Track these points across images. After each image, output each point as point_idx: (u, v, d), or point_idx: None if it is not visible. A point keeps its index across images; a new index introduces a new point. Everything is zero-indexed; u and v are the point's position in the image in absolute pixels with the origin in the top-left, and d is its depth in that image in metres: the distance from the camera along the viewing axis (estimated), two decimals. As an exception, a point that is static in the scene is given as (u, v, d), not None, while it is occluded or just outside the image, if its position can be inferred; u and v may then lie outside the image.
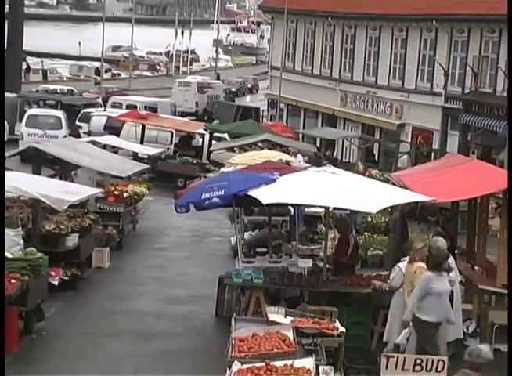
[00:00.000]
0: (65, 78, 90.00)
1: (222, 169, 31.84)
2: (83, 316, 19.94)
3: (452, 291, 17.95)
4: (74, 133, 44.68)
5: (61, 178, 25.83)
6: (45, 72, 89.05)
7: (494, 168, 24.80)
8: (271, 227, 23.85)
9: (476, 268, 20.68)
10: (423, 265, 17.17)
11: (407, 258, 18.07)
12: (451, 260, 18.43)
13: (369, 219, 24.99)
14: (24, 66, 76.66)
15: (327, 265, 19.79)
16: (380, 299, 18.24)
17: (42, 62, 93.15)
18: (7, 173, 22.53)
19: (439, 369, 12.99)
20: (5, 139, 43.43)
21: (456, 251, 20.15)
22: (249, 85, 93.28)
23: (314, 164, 33.28)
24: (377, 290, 18.40)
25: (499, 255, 20.28)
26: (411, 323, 15.88)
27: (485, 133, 41.50)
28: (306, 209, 23.93)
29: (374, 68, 50.66)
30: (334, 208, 20.60)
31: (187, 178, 36.32)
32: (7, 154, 28.46)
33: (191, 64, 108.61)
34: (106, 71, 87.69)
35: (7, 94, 56.16)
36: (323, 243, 20.96)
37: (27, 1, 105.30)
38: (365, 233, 24.08)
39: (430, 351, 15.28)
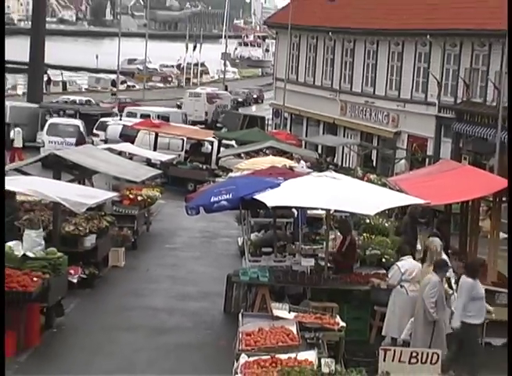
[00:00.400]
0: (83, 90, 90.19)
1: (230, 174, 31.88)
2: (100, 312, 19.96)
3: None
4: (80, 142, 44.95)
5: (79, 183, 25.85)
6: (64, 84, 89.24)
7: (485, 173, 24.81)
8: (276, 229, 23.84)
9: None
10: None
11: (405, 258, 18.08)
12: (445, 258, 18.48)
13: (368, 221, 24.92)
14: (45, 79, 76.61)
15: (328, 264, 19.79)
16: (379, 296, 18.24)
17: (62, 74, 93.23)
18: (30, 178, 22.65)
19: (433, 361, 12.98)
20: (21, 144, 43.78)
21: (449, 251, 20.11)
22: (255, 96, 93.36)
23: (316, 169, 33.26)
24: (375, 287, 18.42)
25: (489, 255, 20.31)
26: (421, 321, 16.02)
27: (476, 140, 41.47)
28: (309, 211, 23.90)
29: (372, 79, 50.66)
30: (335, 211, 20.61)
31: (197, 183, 36.36)
32: (29, 161, 28.53)
33: (201, 76, 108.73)
34: (122, 83, 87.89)
35: (30, 104, 56.41)
36: (325, 243, 21.01)
37: (49, 17, 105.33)
38: (364, 234, 24.01)
39: (478, 351, 15.51)
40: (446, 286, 17.31)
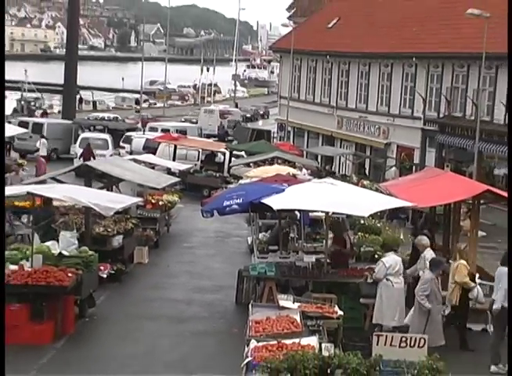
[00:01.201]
0: (111, 108, 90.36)
1: (240, 181, 31.93)
2: (126, 303, 20.02)
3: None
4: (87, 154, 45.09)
5: (108, 190, 25.86)
6: (94, 103, 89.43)
7: (465, 179, 24.80)
8: (281, 229, 23.83)
9: (450, 261, 20.65)
10: (465, 262, 17.37)
11: (389, 254, 18.07)
12: (432, 254, 18.44)
13: (362, 222, 24.89)
14: (78, 98, 76.80)
15: (327, 260, 19.79)
16: (365, 290, 18.28)
17: (92, 94, 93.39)
18: (64, 186, 22.66)
19: (421, 345, 12.93)
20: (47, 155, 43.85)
21: (435, 248, 20.08)
22: (261, 112, 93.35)
23: (316, 176, 33.24)
24: (362, 282, 18.47)
25: (470, 251, 20.27)
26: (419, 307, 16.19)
27: (457, 150, 41.47)
28: (310, 214, 23.89)
29: (365, 97, 50.63)
30: (333, 213, 20.58)
31: (211, 189, 36.32)
32: (64, 170, 28.54)
33: (214, 95, 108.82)
34: (145, 101, 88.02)
35: (64, 121, 56.53)
36: (324, 241, 21.00)
37: (81, 45, 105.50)
38: (359, 233, 24.00)
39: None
40: (468, 279, 17.42)
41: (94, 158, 43.08)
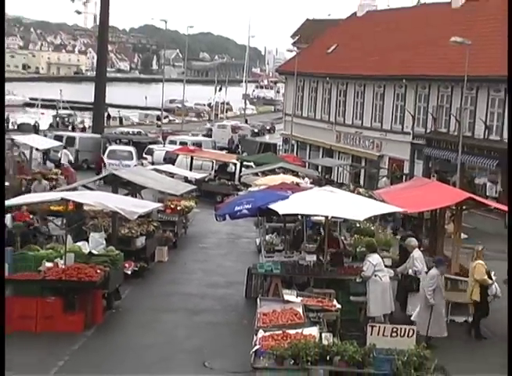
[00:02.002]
0: (135, 123, 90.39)
1: (250, 189, 31.91)
2: (148, 297, 20.00)
3: (419, 278, 17.98)
4: (99, 164, 45.29)
5: (132, 196, 25.88)
6: (121, 119, 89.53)
7: (449, 188, 24.84)
8: (286, 231, 23.82)
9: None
10: (482, 262, 17.40)
11: (373, 254, 18.01)
12: (420, 254, 18.42)
13: (358, 225, 24.85)
14: (106, 115, 76.93)
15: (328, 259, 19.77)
16: (356, 288, 18.21)
17: (119, 111, 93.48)
18: (94, 192, 22.70)
19: (409, 335, 12.93)
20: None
21: (421, 248, 20.04)
22: (268, 127, 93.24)
23: (317, 184, 33.18)
24: (352, 281, 18.37)
25: (453, 251, 20.30)
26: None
27: (442, 162, 41.45)
28: (312, 218, 23.86)
29: (360, 114, 50.64)
30: (332, 217, 20.57)
31: (224, 196, 36.29)
32: (94, 179, 28.60)
33: (226, 112, 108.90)
34: (165, 118, 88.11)
35: (94, 135, 56.64)
36: (324, 242, 20.96)
37: (109, 68, 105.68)
38: (355, 235, 23.95)
39: None
40: (486, 277, 17.39)
41: (104, 166, 43.55)
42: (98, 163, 46.06)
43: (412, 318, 16.80)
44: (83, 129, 72.08)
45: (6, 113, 76.80)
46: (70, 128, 73.21)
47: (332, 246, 20.53)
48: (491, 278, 17.81)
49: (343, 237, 23.48)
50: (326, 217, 20.48)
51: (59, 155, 45.23)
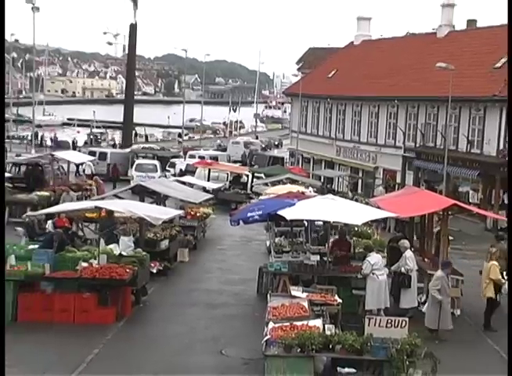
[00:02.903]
0: (159, 140, 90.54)
1: (261, 197, 31.90)
2: (171, 293, 20.03)
3: (410, 276, 17.94)
4: (114, 171, 45.31)
5: (157, 204, 25.94)
6: (146, 136, 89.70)
7: (436, 195, 24.73)
8: (292, 235, 23.82)
9: (425, 260, 20.58)
10: (496, 263, 17.35)
11: (371, 254, 18.01)
12: (411, 254, 18.37)
13: (356, 229, 24.80)
14: (134, 133, 77.17)
15: (330, 259, 19.73)
16: (357, 283, 18.20)
17: (145, 129, 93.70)
18: (124, 201, 22.75)
19: (402, 326, 12.89)
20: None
21: (412, 249, 19.99)
22: (276, 143, 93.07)
23: (320, 193, 33.19)
24: (353, 277, 18.39)
25: (440, 252, 20.18)
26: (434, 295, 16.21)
27: (430, 172, 41.33)
28: (316, 222, 23.86)
29: (357, 131, 50.56)
30: (333, 222, 20.56)
31: (238, 203, 36.33)
32: (123, 189, 28.65)
33: (239, 129, 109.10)
34: (185, 135, 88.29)
35: (123, 150, 56.79)
36: (326, 244, 20.97)
37: (136, 91, 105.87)
38: (354, 238, 23.89)
39: None
40: (501, 277, 17.34)
41: (119, 175, 43.79)
42: (113, 172, 46.20)
43: (424, 309, 16.71)
44: (113, 145, 72.34)
45: (42, 132, 77.29)
46: (102, 144, 73.52)
47: (343, 249, 20.51)
48: (503, 277, 17.71)
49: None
50: (328, 222, 20.53)
51: (83, 166, 45.19)
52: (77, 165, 45.53)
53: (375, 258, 17.70)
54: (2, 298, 13.92)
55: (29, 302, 16.45)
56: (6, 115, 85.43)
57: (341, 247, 20.56)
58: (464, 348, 15.92)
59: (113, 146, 72.40)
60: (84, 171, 43.56)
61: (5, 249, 17.41)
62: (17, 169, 37.46)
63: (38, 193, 31.19)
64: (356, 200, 29.85)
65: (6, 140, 67.86)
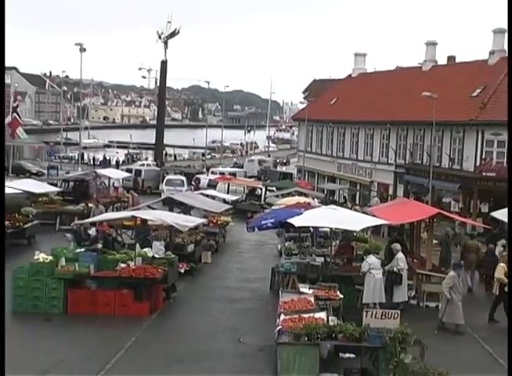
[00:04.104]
0: (186, 158, 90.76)
1: (273, 207, 31.84)
2: (197, 289, 20.03)
3: (401, 274, 17.86)
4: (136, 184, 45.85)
5: (184, 214, 25.96)
6: (175, 156, 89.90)
7: (423, 205, 24.67)
8: (300, 239, 23.78)
9: (415, 260, 20.49)
10: (504, 265, 17.13)
11: (370, 256, 17.95)
12: (402, 256, 18.30)
13: (355, 234, 24.72)
14: (164, 153, 77.39)
15: (332, 260, 19.68)
16: (358, 280, 18.12)
17: (174, 150, 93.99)
18: (156, 211, 22.78)
19: (395, 317, 12.81)
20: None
21: (403, 251, 19.89)
22: (284, 161, 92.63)
23: (323, 204, 33.11)
24: (356, 274, 18.29)
25: (427, 254, 20.14)
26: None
27: (417, 185, 41.14)
28: (320, 229, 23.80)
29: (355, 150, 50.42)
30: (335, 228, 20.53)
31: (253, 213, 36.28)
32: (155, 201, 28.70)
33: (254, 149, 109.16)
34: (208, 154, 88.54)
35: (155, 168, 56.92)
36: (329, 248, 20.93)
37: (166, 117, 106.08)
38: (353, 242, 23.81)
39: None
40: (504, 277, 16.99)
41: (140, 187, 43.77)
42: (135, 184, 46.06)
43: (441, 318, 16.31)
44: (147, 164, 72.43)
45: (87, 153, 77.58)
46: (138, 162, 73.72)
47: (348, 252, 20.44)
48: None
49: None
50: (331, 228, 20.51)
51: (112, 181, 44.48)
52: (117, 181, 45.62)
53: (372, 260, 17.66)
54: (2, 298, 13.10)
55: (77, 297, 16.52)
56: (57, 139, 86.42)
57: (346, 250, 20.53)
58: (449, 338, 15.80)
59: (147, 165, 72.56)
60: (113, 184, 43.34)
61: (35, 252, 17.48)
62: (66, 184, 37.63)
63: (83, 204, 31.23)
64: (355, 210, 29.80)
65: (57, 160, 68.70)
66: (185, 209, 26.99)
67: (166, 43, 67.32)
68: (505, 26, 34.16)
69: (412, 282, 18.89)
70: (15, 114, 37.33)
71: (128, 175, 45.30)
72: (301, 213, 19.72)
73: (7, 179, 33.14)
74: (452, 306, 16.02)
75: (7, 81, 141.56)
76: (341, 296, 15.81)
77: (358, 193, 49.73)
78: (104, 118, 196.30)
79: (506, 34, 29.08)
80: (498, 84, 37.62)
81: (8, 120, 47.27)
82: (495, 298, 17.43)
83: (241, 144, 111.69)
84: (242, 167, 70.21)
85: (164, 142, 71.35)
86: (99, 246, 19.82)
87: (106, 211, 29.77)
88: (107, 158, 74.70)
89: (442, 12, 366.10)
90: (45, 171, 56.05)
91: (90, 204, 29.91)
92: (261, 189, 43.26)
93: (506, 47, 39.93)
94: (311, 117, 55.65)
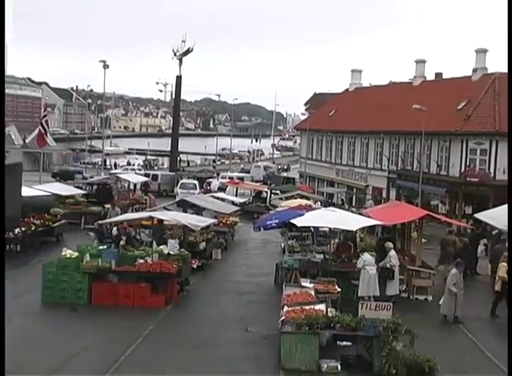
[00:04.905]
0: (198, 164, 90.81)
1: (277, 209, 31.86)
2: (208, 283, 20.02)
3: (393, 270, 17.83)
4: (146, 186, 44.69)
5: (197, 214, 25.96)
6: (188, 162, 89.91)
7: (413, 207, 24.65)
8: (302, 238, 23.78)
9: (405, 258, 20.45)
10: (505, 264, 16.92)
11: (364, 253, 17.87)
12: (394, 253, 18.28)
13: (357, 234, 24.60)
14: (178, 159, 77.40)
15: (331, 257, 19.67)
16: (354, 275, 18.08)
17: (187, 156, 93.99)
18: (171, 212, 22.79)
19: (388, 309, 12.81)
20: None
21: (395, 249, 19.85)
22: (285, 167, 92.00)
23: (323, 206, 33.08)
24: (352, 270, 18.23)
25: (417, 251, 20.10)
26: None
27: (408, 190, 41.13)
28: (320, 228, 23.80)
29: (352, 157, 50.38)
30: (334, 228, 20.52)
31: (259, 214, 36.28)
32: (170, 203, 28.70)
33: (260, 156, 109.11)
34: (218, 160, 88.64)
35: (170, 173, 56.93)
36: (328, 246, 20.92)
37: (180, 127, 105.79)
38: (349, 241, 23.70)
39: None
40: (505, 275, 16.75)
41: (149, 187, 43.40)
42: (145, 187, 45.61)
43: (441, 310, 16.27)
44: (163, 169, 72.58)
45: (109, 160, 77.76)
46: (155, 168, 73.84)
47: (346, 250, 20.43)
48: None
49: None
50: (330, 228, 20.48)
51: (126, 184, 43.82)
52: (135, 184, 45.72)
53: (367, 257, 17.63)
54: (2, 298, 11.48)
55: (100, 290, 16.58)
56: (82, 146, 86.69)
57: (344, 248, 20.52)
58: (436, 327, 15.78)
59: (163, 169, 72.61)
60: (128, 186, 43.09)
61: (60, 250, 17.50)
62: (91, 188, 37.74)
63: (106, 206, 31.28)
64: (352, 211, 29.80)
65: (82, 166, 68.85)
66: (198, 210, 27.01)
67: (180, 60, 67.34)
68: (486, 46, 34.45)
69: (404, 277, 18.85)
70: (40, 127, 37.45)
71: (146, 179, 45.37)
72: (303, 214, 19.72)
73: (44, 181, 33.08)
74: (454, 300, 15.94)
75: (39, 94, 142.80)
76: (339, 290, 15.83)
77: (354, 196, 49.68)
78: (124, 128, 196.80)
79: (506, 33, 29.02)
80: (480, 99, 37.76)
81: (36, 131, 47.57)
82: (496, 294, 17.14)
83: (248, 151, 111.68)
84: (248, 172, 70.24)
85: (179, 149, 71.20)
86: (122, 243, 19.82)
87: (126, 212, 29.77)
88: (131, 163, 75.51)
89: (431, 33, 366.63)
90: (85, 173, 57.40)
91: (107, 206, 29.92)
92: (267, 193, 43.23)
93: (487, 65, 40.46)
94: (312, 127, 55.68)
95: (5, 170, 6.73)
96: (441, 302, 16.41)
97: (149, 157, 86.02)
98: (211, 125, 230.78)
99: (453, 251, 21.87)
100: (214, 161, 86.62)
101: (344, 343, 12.75)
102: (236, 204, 33.73)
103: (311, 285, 15.68)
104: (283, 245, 25.71)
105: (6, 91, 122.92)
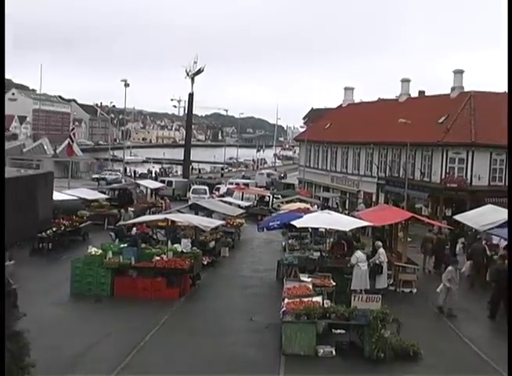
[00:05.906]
0: (208, 172, 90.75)
1: (279, 212, 31.82)
2: (217, 278, 20.01)
3: (382, 266, 17.81)
4: (158, 193, 42.88)
5: (207, 217, 25.95)
6: (199, 169, 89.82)
7: (399, 210, 24.60)
8: (301, 238, 23.75)
9: (393, 255, 20.42)
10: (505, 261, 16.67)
11: (357, 251, 17.82)
12: (383, 251, 18.26)
13: (345, 234, 24.53)
14: (190, 167, 77.45)
15: (327, 255, 19.64)
16: (347, 271, 18.04)
17: (198, 165, 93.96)
18: (184, 214, 22.81)
19: (377, 301, 12.83)
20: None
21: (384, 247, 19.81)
22: (282, 175, 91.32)
23: (320, 209, 33.02)
24: (345, 266, 18.21)
25: (402, 249, 20.07)
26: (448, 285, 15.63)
27: (395, 194, 41.07)
28: (317, 229, 23.75)
29: (345, 165, 50.40)
30: (329, 229, 20.52)
31: (263, 216, 36.22)
32: (183, 206, 28.73)
33: (263, 164, 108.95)
34: (226, 168, 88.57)
35: (183, 179, 56.87)
36: (325, 245, 20.91)
37: (192, 139, 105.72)
38: (343, 241, 23.64)
39: None
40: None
41: (160, 192, 42.96)
42: (156, 191, 45.07)
43: (439, 303, 16.07)
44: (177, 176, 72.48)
45: (129, 168, 77.83)
46: (170, 175, 73.87)
47: (340, 248, 20.41)
48: None
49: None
50: (326, 229, 20.48)
51: (140, 189, 41.42)
52: (152, 189, 45.70)
53: (360, 254, 17.61)
54: (2, 297, 11.20)
55: (121, 283, 16.61)
56: (106, 156, 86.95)
57: (338, 247, 20.50)
58: (420, 316, 15.75)
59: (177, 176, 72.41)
60: (142, 192, 42.87)
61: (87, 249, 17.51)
62: (113, 192, 37.80)
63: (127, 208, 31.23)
64: (345, 214, 29.76)
65: (106, 173, 68.98)
66: (208, 213, 27.02)
67: (193, 79, 67.56)
68: (462, 67, 34.64)
69: (391, 272, 18.83)
70: (69, 139, 37.78)
71: (162, 185, 45.36)
72: (302, 216, 19.79)
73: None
74: (450, 294, 15.86)
75: (68, 110, 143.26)
76: (334, 284, 15.82)
77: (347, 200, 49.61)
78: (143, 139, 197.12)
79: (506, 35, 29.35)
80: (458, 114, 37.94)
81: (66, 142, 47.93)
82: (493, 296, 16.30)
83: (253, 160, 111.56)
84: (249, 178, 70.19)
85: (191, 158, 71.29)
86: (143, 245, 19.79)
87: (144, 215, 29.79)
88: (151, 171, 75.81)
89: (415, 55, 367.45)
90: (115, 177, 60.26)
91: (121, 210, 29.93)
92: (269, 197, 43.20)
93: (463, 84, 40.74)
94: (310, 139, 55.71)
95: (38, 178, 6.90)
96: (438, 289, 16.21)
97: (164, 166, 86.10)
98: (220, 137, 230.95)
99: (431, 246, 22.05)
100: (222, 169, 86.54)
101: (339, 331, 12.75)
102: (241, 208, 33.69)
103: (309, 279, 15.68)
104: (283, 244, 25.67)
105: (42, 107, 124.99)
